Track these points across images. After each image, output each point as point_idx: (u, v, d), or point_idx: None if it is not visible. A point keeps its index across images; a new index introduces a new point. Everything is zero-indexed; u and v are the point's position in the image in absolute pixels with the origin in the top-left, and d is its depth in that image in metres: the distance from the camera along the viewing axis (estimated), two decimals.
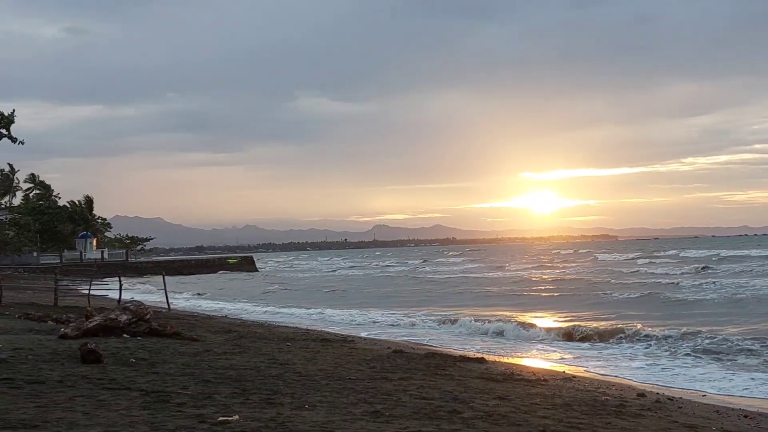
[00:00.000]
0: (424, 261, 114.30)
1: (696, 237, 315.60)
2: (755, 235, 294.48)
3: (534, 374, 14.61)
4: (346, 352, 16.77)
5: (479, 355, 17.52)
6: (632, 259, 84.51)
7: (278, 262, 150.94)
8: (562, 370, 16.13)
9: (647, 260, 76.95)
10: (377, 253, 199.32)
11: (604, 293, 39.41)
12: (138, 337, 16.59)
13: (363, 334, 24.17)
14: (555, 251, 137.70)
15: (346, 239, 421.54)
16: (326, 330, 24.72)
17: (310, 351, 16.63)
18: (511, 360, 18.15)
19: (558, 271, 69.95)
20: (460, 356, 16.86)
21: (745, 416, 11.36)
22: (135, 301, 20.00)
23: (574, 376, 14.90)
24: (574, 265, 79.57)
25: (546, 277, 61.04)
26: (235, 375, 11.90)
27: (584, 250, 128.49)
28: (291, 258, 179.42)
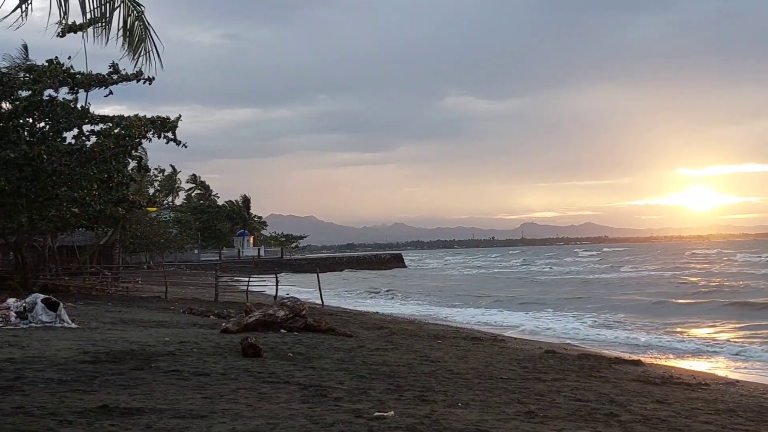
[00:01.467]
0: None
1: None
2: None
3: (694, 378, 14.07)
4: (497, 351, 16.71)
5: (635, 358, 17.04)
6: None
7: (428, 259, 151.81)
8: (724, 375, 15.45)
9: None
10: (511, 251, 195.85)
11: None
12: (294, 333, 17.14)
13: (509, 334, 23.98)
14: (700, 251, 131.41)
15: (493, 237, 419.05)
16: (476, 328, 24.70)
17: (460, 349, 16.68)
18: (669, 363, 17.54)
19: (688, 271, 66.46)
20: (615, 358, 16.46)
21: None
22: (291, 297, 20.66)
23: (738, 381, 14.24)
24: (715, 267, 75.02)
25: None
26: (389, 371, 12.09)
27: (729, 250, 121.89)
28: (442, 255, 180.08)
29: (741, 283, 47.56)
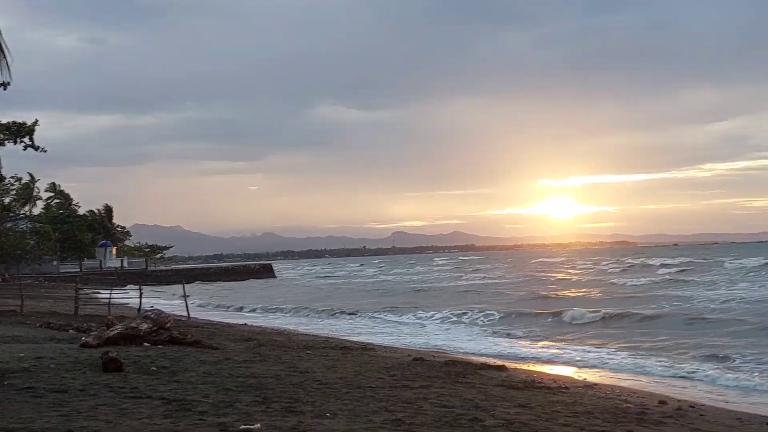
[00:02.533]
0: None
1: (715, 243, 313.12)
2: None
3: (555, 382, 14.55)
4: (366, 360, 16.79)
5: (500, 363, 17.46)
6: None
7: (297, 269, 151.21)
8: (583, 378, 16.05)
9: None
10: (372, 260, 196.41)
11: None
12: (159, 346, 16.67)
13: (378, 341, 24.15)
14: (549, 259, 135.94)
15: (364, 246, 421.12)
16: (346, 338, 24.74)
17: (330, 359, 16.66)
18: (531, 367, 18.07)
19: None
20: (481, 364, 16.83)
21: (767, 423, 11.27)
22: (155, 309, 20.11)
23: (596, 384, 14.82)
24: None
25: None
26: (256, 383, 11.93)
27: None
28: (308, 265, 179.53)
29: (582, 290, 49.56)
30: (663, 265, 74.78)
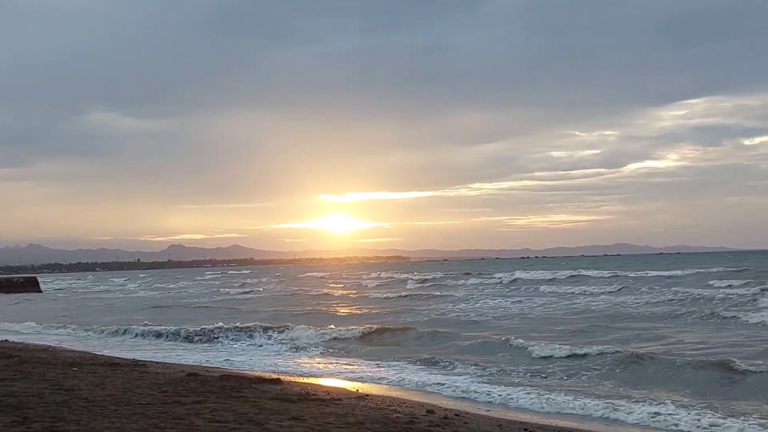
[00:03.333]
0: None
1: (482, 259, 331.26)
2: (536, 257, 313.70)
3: (329, 393, 14.78)
4: (137, 377, 16.25)
5: (275, 376, 17.50)
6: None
7: (57, 283, 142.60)
8: (356, 389, 16.41)
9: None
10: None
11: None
12: None
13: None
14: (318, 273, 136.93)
15: (139, 259, 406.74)
16: (115, 354, 23.79)
17: (98, 376, 15.98)
18: (307, 380, 18.23)
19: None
20: (256, 377, 16.79)
21: (525, 429, 12.08)
22: None
23: (368, 395, 15.20)
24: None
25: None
26: (16, 402, 11.24)
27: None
28: (73, 279, 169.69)
29: (338, 304, 50.97)
30: (414, 280, 78.38)
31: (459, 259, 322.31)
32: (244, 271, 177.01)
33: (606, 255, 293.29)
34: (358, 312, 42.26)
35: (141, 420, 10.25)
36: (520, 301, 45.87)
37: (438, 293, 56.39)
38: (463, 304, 44.72)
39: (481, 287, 63.24)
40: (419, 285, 71.70)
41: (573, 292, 50.20)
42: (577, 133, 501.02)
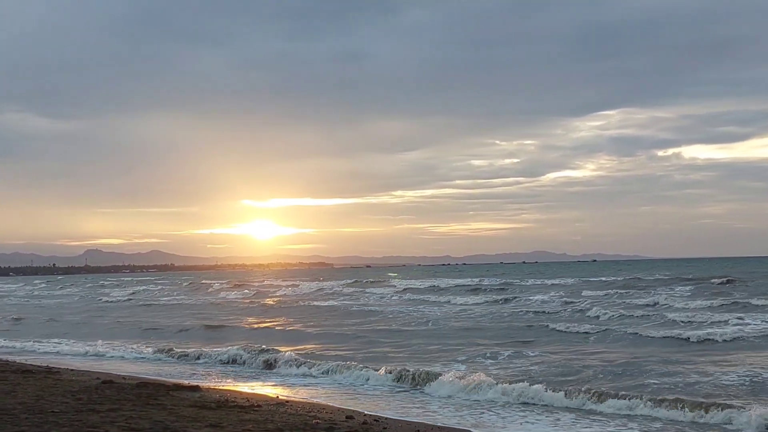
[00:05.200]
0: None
1: (404, 265, 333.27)
2: (456, 264, 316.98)
3: (248, 400, 14.67)
4: (51, 384, 15.86)
5: (194, 384, 17.27)
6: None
7: None
8: (275, 395, 16.32)
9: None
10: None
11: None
12: None
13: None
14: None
15: (54, 264, 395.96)
16: (28, 361, 23.12)
17: (8, 383, 15.54)
18: (227, 387, 18.06)
19: None
20: (174, 385, 16.53)
21: None
22: None
23: (287, 401, 15.14)
24: None
25: None
26: None
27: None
28: None
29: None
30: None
31: (382, 266, 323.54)
32: (148, 277, 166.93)
33: (524, 262, 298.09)
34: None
35: (53, 428, 10.03)
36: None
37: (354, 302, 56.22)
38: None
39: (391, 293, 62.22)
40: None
41: (439, 301, 48.58)
42: (497, 142, 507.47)
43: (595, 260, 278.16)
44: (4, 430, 9.73)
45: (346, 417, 13.06)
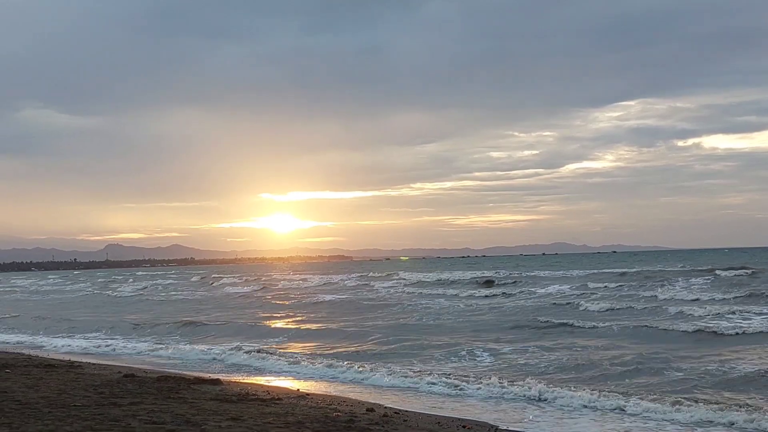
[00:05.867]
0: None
1: (424, 258, 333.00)
2: (476, 256, 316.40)
3: (269, 393, 14.70)
4: (73, 378, 15.97)
5: (215, 377, 17.34)
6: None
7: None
8: (296, 389, 16.34)
9: None
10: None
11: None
12: None
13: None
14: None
15: (75, 259, 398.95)
16: (50, 356, 23.30)
17: (32, 377, 15.65)
18: (247, 380, 18.10)
19: None
20: (195, 378, 16.60)
21: (463, 426, 12.17)
22: None
23: (308, 394, 15.15)
24: None
25: None
26: None
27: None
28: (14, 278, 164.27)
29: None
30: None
31: (401, 259, 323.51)
32: (155, 272, 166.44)
33: (544, 254, 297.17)
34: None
35: (75, 422, 10.07)
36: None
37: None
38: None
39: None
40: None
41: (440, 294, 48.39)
42: (516, 134, 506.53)
43: (614, 251, 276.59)
44: (28, 423, 9.79)
45: (367, 409, 13.05)
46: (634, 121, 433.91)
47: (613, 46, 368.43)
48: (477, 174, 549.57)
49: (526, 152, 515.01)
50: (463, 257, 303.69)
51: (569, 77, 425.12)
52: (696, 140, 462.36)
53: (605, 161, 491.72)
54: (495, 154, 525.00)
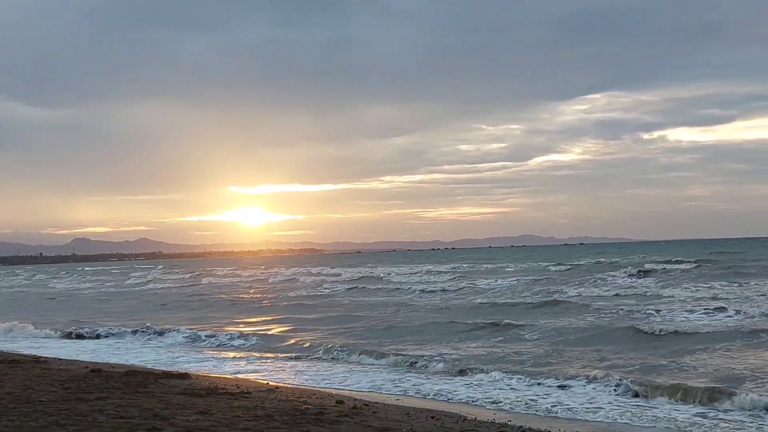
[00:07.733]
0: None
1: (394, 250, 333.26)
2: (445, 249, 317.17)
3: (238, 387, 14.64)
4: (38, 374, 15.77)
5: (183, 371, 17.23)
6: None
7: None
8: (266, 382, 16.31)
9: None
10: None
11: None
12: None
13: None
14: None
15: (41, 253, 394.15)
16: (16, 351, 23.03)
17: None
18: (216, 375, 18.03)
19: None
20: (163, 373, 16.49)
21: (432, 417, 12.21)
22: None
23: (278, 387, 15.12)
24: None
25: None
26: None
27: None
28: None
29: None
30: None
31: (372, 251, 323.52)
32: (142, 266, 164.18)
33: (512, 246, 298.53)
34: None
35: (41, 418, 9.96)
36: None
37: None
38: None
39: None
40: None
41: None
42: (484, 127, 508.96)
43: (582, 243, 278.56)
44: None
45: (336, 402, 13.04)
46: (599, 114, 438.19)
47: (579, 39, 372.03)
48: (446, 167, 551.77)
49: (494, 145, 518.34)
50: (433, 249, 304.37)
51: (536, 70, 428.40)
52: (661, 133, 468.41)
53: (572, 154, 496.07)
54: (464, 147, 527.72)
